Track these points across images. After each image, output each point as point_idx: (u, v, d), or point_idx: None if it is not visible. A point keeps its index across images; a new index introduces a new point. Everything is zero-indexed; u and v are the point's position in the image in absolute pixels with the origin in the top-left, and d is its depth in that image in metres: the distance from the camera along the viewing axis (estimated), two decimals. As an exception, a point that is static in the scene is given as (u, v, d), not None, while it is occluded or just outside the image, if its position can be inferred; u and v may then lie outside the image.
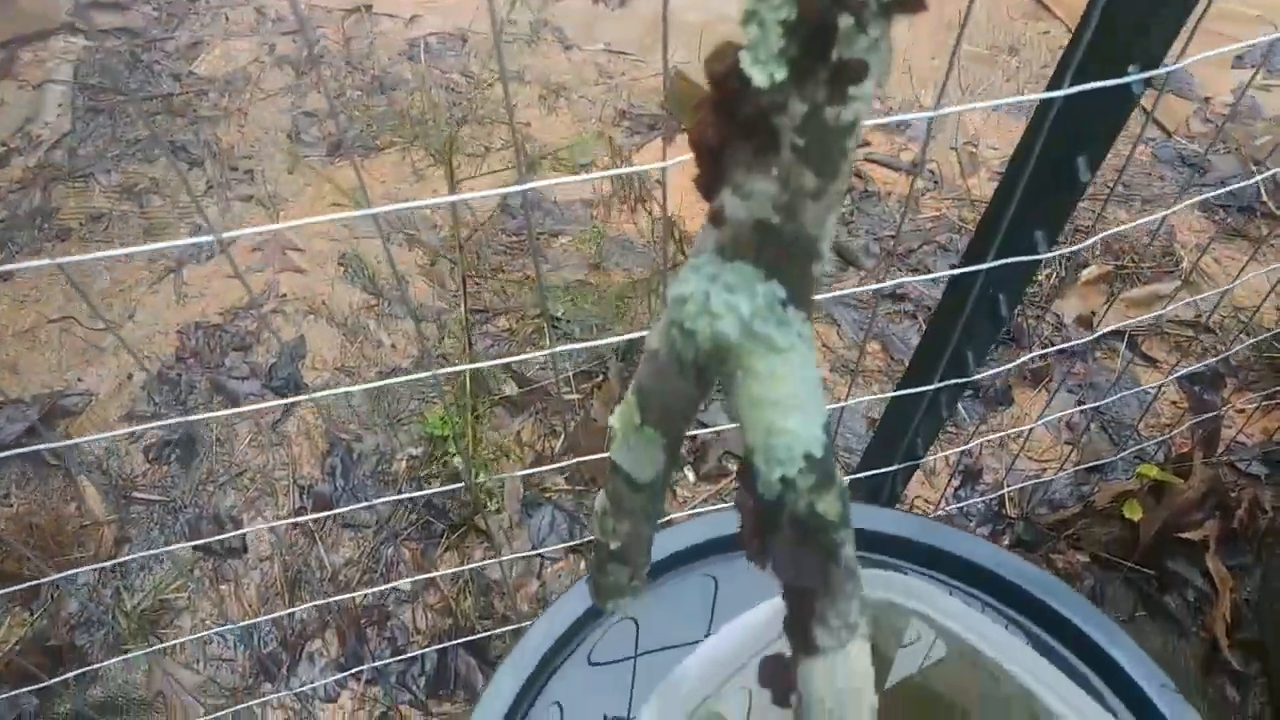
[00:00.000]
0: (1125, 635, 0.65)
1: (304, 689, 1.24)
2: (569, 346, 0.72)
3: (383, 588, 1.30)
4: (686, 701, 0.50)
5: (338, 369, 1.55)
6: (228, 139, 1.99)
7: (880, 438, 1.03)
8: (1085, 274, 1.62)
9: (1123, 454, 1.39)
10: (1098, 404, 1.21)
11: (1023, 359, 0.98)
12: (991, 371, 1.08)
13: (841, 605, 0.34)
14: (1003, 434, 1.38)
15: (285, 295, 1.66)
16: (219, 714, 1.21)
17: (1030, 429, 1.15)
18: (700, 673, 0.52)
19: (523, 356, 0.73)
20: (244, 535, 1.37)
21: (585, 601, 0.64)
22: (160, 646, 1.24)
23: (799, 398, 0.28)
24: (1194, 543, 1.29)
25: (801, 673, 0.35)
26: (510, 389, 1.49)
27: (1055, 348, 1.23)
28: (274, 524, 1.37)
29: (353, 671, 1.22)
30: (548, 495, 1.40)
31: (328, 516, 1.39)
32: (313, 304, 1.64)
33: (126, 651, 1.27)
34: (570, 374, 1.51)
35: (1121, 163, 1.79)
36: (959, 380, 0.87)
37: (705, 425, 1.45)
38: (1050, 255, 0.75)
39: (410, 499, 1.40)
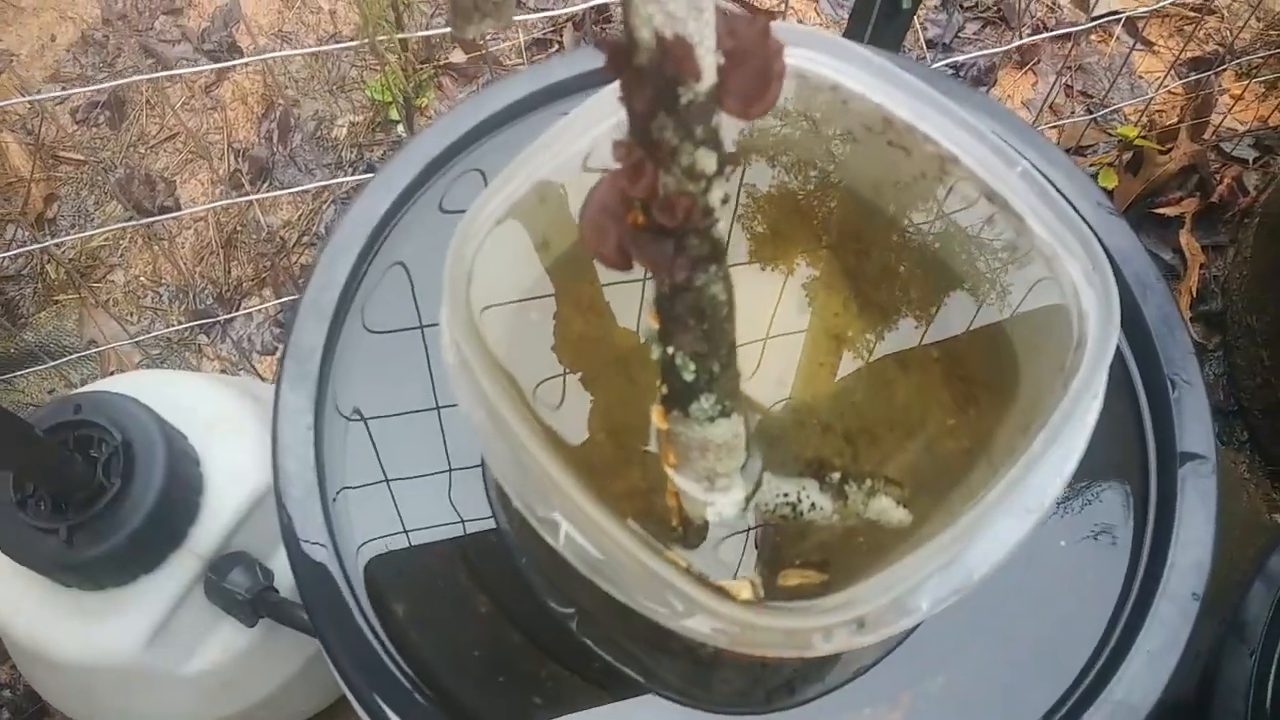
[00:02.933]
0: (1063, 157, 0.59)
1: (241, 341, 1.21)
2: (524, 17, 0.63)
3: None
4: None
5: (275, 34, 1.44)
6: None
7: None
8: (1089, -48, 1.49)
9: (1103, 112, 1.30)
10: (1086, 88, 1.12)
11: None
12: (978, 54, 0.98)
13: None
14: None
15: (219, -41, 1.52)
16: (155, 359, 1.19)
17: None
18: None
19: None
20: (177, 196, 1.31)
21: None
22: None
23: None
24: (1168, 219, 1.23)
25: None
26: (457, 56, 1.39)
27: (1049, 32, 1.12)
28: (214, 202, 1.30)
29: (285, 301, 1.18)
30: (497, 166, 1.33)
31: (265, 180, 1.32)
32: (248, -32, 1.51)
33: (57, 303, 1.24)
34: (522, 42, 1.40)
35: None
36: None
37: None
38: None
39: (352, 164, 1.33)
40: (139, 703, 0.75)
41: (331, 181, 1.26)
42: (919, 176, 0.48)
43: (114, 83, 1.20)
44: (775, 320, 0.51)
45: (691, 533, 0.39)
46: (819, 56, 0.46)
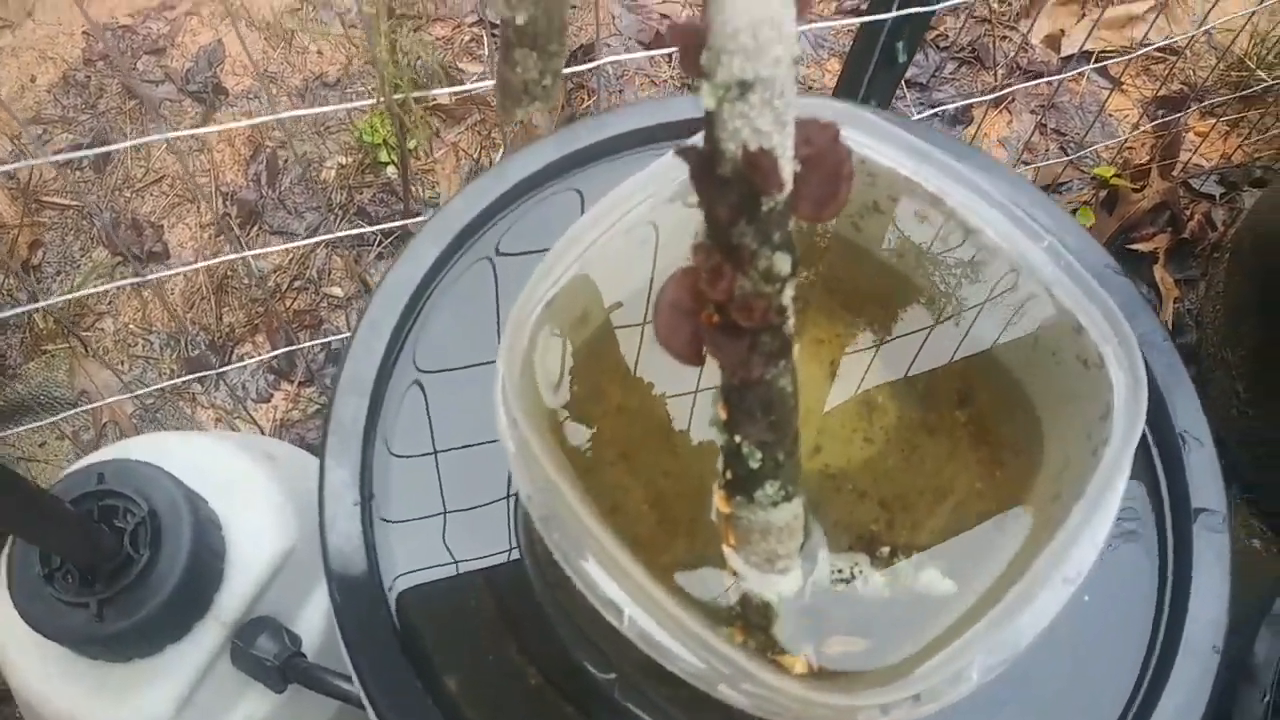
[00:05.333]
0: (1073, 221, 0.62)
1: (236, 389, 1.21)
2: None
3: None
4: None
5: (260, 75, 1.44)
6: None
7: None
8: (1057, -7, 1.53)
9: (1078, 154, 1.34)
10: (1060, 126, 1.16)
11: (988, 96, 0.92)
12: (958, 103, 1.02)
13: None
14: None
15: None
16: (147, 412, 1.18)
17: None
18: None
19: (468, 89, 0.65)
20: (165, 240, 1.31)
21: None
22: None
23: None
24: (1143, 255, 1.27)
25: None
26: (446, 98, 1.40)
27: (1026, 80, 1.16)
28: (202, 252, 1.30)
29: (286, 350, 1.18)
30: (487, 207, 1.34)
31: (255, 223, 1.32)
32: (231, 7, 1.51)
33: (46, 353, 1.23)
34: (511, 85, 1.41)
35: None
36: (918, 10, 0.81)
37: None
38: None
39: (342, 207, 1.33)
40: (162, 770, 0.74)
41: (320, 238, 1.26)
42: (940, 244, 0.50)
43: (100, 149, 1.19)
44: (803, 389, 0.53)
45: (752, 611, 0.41)
46: (849, 133, 0.48)
